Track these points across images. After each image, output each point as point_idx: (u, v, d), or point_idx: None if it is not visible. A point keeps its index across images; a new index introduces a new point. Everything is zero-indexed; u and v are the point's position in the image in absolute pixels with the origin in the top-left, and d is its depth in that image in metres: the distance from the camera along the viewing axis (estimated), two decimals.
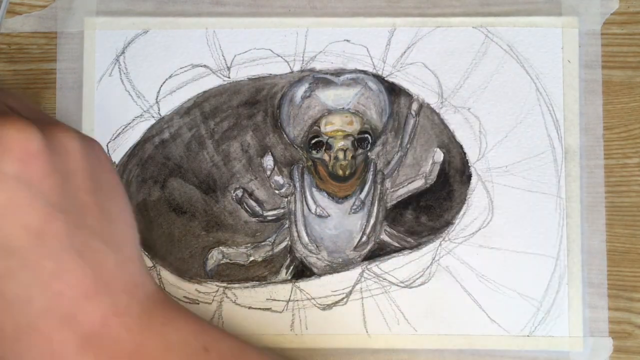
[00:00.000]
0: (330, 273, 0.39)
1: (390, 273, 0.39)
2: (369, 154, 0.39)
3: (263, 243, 0.39)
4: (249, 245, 0.39)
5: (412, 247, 0.39)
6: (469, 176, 0.39)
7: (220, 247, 0.39)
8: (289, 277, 0.39)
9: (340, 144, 0.39)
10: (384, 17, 0.40)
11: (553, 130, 0.39)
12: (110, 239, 0.27)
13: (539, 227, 0.39)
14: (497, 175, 0.39)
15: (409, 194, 0.39)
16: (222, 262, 0.39)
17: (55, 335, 0.25)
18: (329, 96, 0.39)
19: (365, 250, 0.39)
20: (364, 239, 0.39)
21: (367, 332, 0.39)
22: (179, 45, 0.40)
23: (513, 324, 0.38)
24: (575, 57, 0.39)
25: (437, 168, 0.39)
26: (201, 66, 0.40)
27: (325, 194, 0.39)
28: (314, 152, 0.39)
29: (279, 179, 0.40)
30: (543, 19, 0.40)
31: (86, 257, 0.26)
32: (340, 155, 0.39)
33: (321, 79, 0.40)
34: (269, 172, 0.40)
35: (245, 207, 0.39)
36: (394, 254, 0.39)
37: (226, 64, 0.40)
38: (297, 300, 0.39)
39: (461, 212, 0.39)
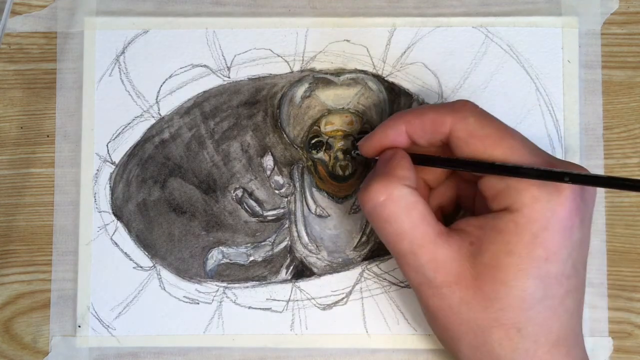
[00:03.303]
0: (330, 273, 0.39)
1: (390, 273, 0.39)
2: None
3: (263, 243, 0.39)
4: (249, 245, 0.39)
5: None
6: None
7: (220, 247, 0.39)
8: (289, 277, 0.39)
9: (340, 143, 0.39)
10: (384, 17, 0.40)
11: (553, 130, 0.39)
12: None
13: None
14: None
15: None
16: (222, 262, 0.39)
17: None
18: (329, 96, 0.39)
19: (365, 250, 0.39)
20: (364, 238, 0.39)
21: (367, 332, 0.39)
22: (179, 45, 0.40)
23: None
24: (575, 57, 0.39)
25: None
26: (201, 66, 0.40)
27: (325, 194, 0.39)
28: (313, 152, 0.39)
29: (279, 179, 0.40)
30: (543, 19, 0.40)
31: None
32: (340, 155, 0.39)
33: (321, 79, 0.40)
34: (269, 172, 0.40)
35: (245, 207, 0.39)
36: None
37: (226, 64, 0.40)
38: (297, 300, 0.39)
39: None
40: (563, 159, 0.34)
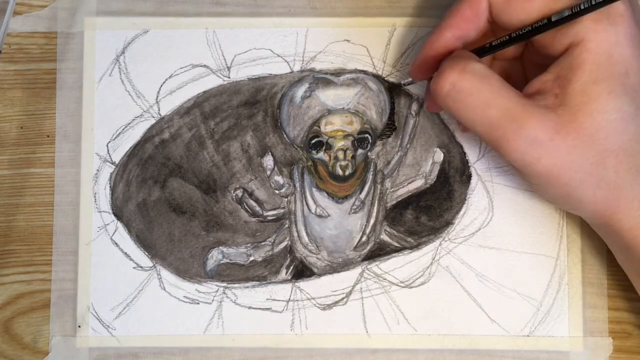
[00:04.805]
0: (330, 273, 0.39)
1: (390, 273, 0.39)
2: (369, 154, 0.39)
3: (263, 243, 0.39)
4: (249, 245, 0.39)
5: (412, 247, 0.39)
6: (469, 176, 0.39)
7: (220, 247, 0.39)
8: (289, 277, 0.39)
9: (340, 144, 0.39)
10: (384, 17, 0.40)
11: None
12: None
13: (539, 227, 0.39)
14: (497, 175, 0.39)
15: (409, 194, 0.39)
16: (222, 262, 0.39)
17: None
18: (329, 96, 0.39)
19: (365, 250, 0.39)
20: (364, 239, 0.39)
21: (367, 332, 0.39)
22: (179, 45, 0.40)
23: (513, 324, 0.38)
24: None
25: (437, 168, 0.39)
26: (201, 66, 0.40)
27: (325, 194, 0.39)
28: (314, 152, 0.39)
29: (279, 179, 0.40)
30: None
31: None
32: (340, 155, 0.39)
33: (321, 79, 0.40)
34: (269, 172, 0.40)
35: (245, 207, 0.39)
36: (394, 254, 0.39)
37: (226, 64, 0.40)
38: (297, 300, 0.39)
39: (461, 212, 0.39)
40: None
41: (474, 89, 0.31)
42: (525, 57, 0.35)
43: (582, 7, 0.30)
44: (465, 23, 0.33)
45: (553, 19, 0.30)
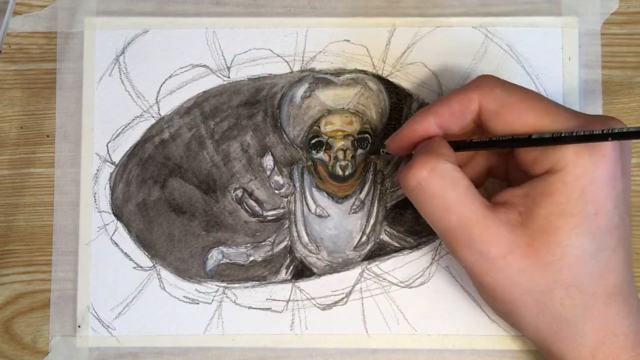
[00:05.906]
0: (330, 273, 0.39)
1: (390, 273, 0.39)
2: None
3: (263, 243, 0.39)
4: (249, 245, 0.39)
5: (412, 247, 0.39)
6: None
7: (220, 247, 0.39)
8: (289, 277, 0.39)
9: (340, 144, 0.39)
10: (384, 17, 0.40)
11: None
12: None
13: None
14: None
15: None
16: (222, 262, 0.39)
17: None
18: (329, 96, 0.39)
19: (365, 250, 0.39)
20: (364, 239, 0.39)
21: (367, 332, 0.39)
22: (179, 45, 0.40)
23: None
24: (575, 57, 0.39)
25: None
26: (201, 66, 0.40)
27: (325, 194, 0.39)
28: (313, 152, 0.39)
29: (279, 179, 0.40)
30: (543, 19, 0.39)
31: None
32: (340, 155, 0.39)
33: (321, 79, 0.40)
34: (269, 172, 0.40)
35: (245, 207, 0.39)
36: (393, 254, 0.39)
37: (226, 64, 0.40)
38: (297, 300, 0.39)
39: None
40: (594, 114, 0.34)
41: (439, 192, 0.31)
42: (510, 160, 0.35)
43: (563, 135, 0.29)
44: (451, 117, 0.32)
45: (533, 137, 0.30)
